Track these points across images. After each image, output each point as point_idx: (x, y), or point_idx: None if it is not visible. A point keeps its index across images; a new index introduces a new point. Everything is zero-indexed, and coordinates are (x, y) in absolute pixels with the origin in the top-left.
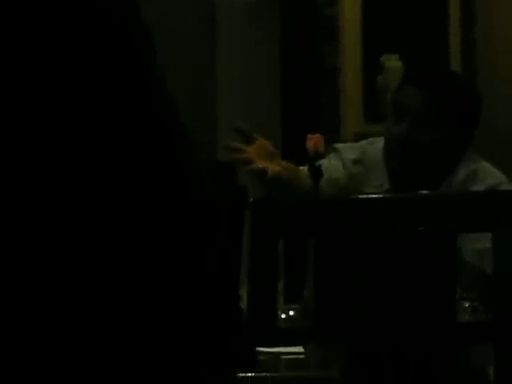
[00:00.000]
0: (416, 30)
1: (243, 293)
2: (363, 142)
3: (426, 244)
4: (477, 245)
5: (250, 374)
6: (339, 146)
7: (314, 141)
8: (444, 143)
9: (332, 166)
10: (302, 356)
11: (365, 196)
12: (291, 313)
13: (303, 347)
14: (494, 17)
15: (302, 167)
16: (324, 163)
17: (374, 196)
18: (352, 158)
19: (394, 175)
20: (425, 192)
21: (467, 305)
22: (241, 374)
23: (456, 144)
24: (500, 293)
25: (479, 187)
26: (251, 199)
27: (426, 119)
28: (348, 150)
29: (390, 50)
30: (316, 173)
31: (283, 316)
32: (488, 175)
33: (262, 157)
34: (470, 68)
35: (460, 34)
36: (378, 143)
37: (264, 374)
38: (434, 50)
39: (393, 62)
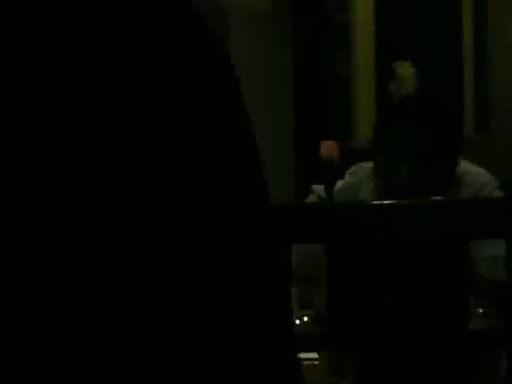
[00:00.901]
0: (428, 36)
1: None
2: (346, 177)
3: (439, 251)
4: (490, 251)
5: None
6: (360, 166)
7: (327, 147)
8: (442, 173)
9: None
10: (316, 362)
11: (378, 202)
12: (305, 319)
13: (316, 353)
14: (506, 21)
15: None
16: (348, 180)
17: (387, 202)
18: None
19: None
20: (438, 198)
21: (480, 311)
22: None
23: (449, 168)
24: None
25: (468, 191)
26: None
27: (425, 156)
28: (364, 169)
29: (402, 56)
30: (329, 179)
31: (297, 322)
32: (473, 177)
33: None
34: (482, 73)
35: (473, 40)
36: (362, 168)
37: None
38: (446, 56)
39: (405, 69)
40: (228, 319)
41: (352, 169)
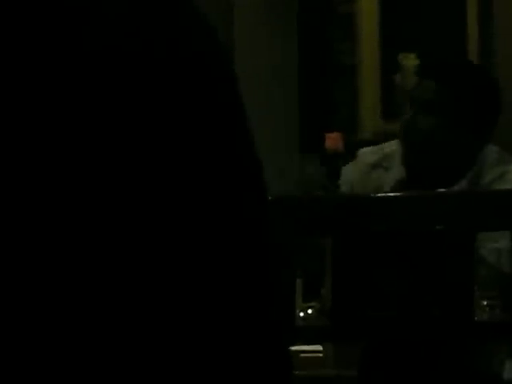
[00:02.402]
0: (433, 28)
1: None
2: (385, 144)
3: (445, 242)
4: (495, 243)
5: None
6: (360, 152)
7: (332, 139)
8: (463, 136)
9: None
10: (320, 354)
11: (383, 194)
12: (309, 311)
13: (321, 345)
14: (511, 12)
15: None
16: (347, 170)
17: (392, 194)
18: (371, 163)
19: (412, 166)
20: (443, 190)
21: (485, 303)
22: None
23: (472, 137)
24: None
25: (494, 173)
26: (269, 197)
27: (448, 113)
28: (368, 155)
29: (408, 48)
30: (334, 171)
31: (301, 314)
32: (501, 162)
33: None
34: (488, 65)
35: (478, 32)
36: (398, 144)
37: None
38: (451, 48)
39: (410, 61)
40: (226, 318)
41: (391, 142)
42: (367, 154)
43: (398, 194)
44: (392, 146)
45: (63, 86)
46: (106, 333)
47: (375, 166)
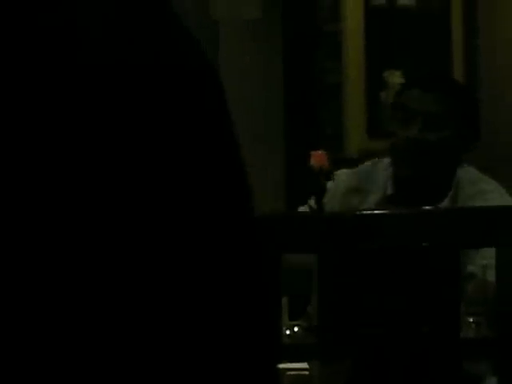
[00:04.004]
0: (418, 45)
1: None
2: (367, 164)
3: (431, 259)
4: (481, 259)
5: None
6: (338, 173)
7: (317, 157)
8: (449, 144)
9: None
10: (307, 372)
11: (369, 212)
12: (295, 329)
13: (308, 363)
14: (496, 31)
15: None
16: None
17: (378, 212)
18: (349, 186)
19: (401, 180)
20: (429, 208)
21: (471, 320)
22: None
23: (457, 147)
24: (504, 308)
25: (471, 191)
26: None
27: (435, 120)
28: (346, 178)
29: (393, 66)
30: (320, 189)
31: (288, 332)
32: (500, 200)
33: None
34: (472, 82)
35: (463, 49)
36: (382, 160)
37: None
38: (436, 67)
39: (396, 78)
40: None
41: (374, 159)
42: (346, 176)
43: (384, 211)
44: (375, 165)
45: (60, 92)
46: (105, 333)
47: (356, 190)
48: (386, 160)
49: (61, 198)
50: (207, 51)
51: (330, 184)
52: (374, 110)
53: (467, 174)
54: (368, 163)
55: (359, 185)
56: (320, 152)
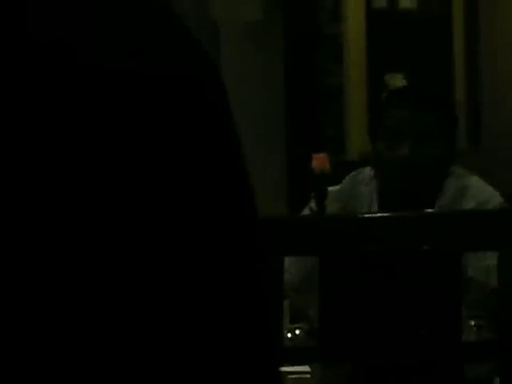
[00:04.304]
0: (420, 48)
1: None
2: (347, 180)
3: (432, 262)
4: (483, 262)
5: None
6: (329, 192)
7: (319, 160)
8: (438, 159)
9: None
10: (308, 375)
11: (370, 215)
12: (297, 332)
13: (309, 366)
14: (497, 35)
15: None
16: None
17: (378, 215)
18: (340, 207)
19: (388, 199)
20: (430, 210)
21: (473, 323)
22: None
23: (445, 160)
24: (506, 311)
25: (469, 204)
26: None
27: (422, 139)
28: (336, 196)
29: (395, 68)
30: (321, 192)
31: (289, 335)
32: (478, 191)
33: None
34: (474, 85)
35: (464, 52)
36: (361, 173)
37: None
38: (438, 68)
39: (397, 81)
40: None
41: (352, 173)
42: (334, 195)
43: (385, 214)
44: (354, 179)
45: (62, 94)
46: (105, 334)
47: (344, 209)
48: (366, 172)
49: (62, 198)
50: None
51: (348, 179)
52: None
53: (452, 181)
54: (347, 179)
55: (346, 204)
56: (321, 155)
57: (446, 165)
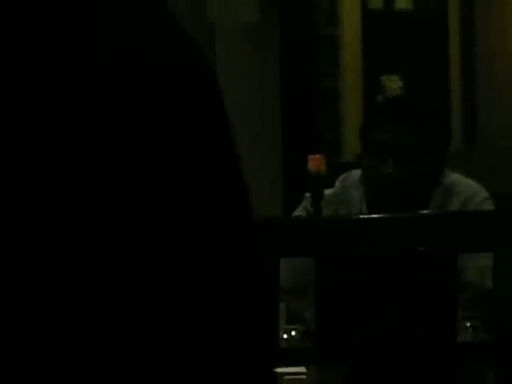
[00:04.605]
0: (416, 51)
1: None
2: (337, 185)
3: (428, 263)
4: (479, 262)
5: None
6: (325, 195)
7: (315, 161)
8: (427, 173)
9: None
10: (304, 376)
11: (366, 216)
12: (293, 333)
13: (305, 367)
14: (493, 36)
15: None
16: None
17: (375, 216)
18: (334, 210)
19: (376, 203)
20: (425, 211)
21: (468, 324)
22: None
23: (435, 170)
24: (501, 312)
25: (458, 199)
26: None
27: (410, 154)
28: (330, 201)
29: (390, 70)
30: (317, 194)
31: (285, 336)
32: (464, 186)
33: None
34: (470, 86)
35: (460, 54)
36: (351, 176)
37: None
38: (434, 70)
39: (393, 83)
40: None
41: (342, 176)
42: (329, 200)
43: (381, 215)
44: (343, 183)
45: (61, 94)
46: (103, 334)
47: (337, 213)
48: (354, 175)
49: (61, 198)
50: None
51: (338, 184)
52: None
53: (439, 188)
54: (337, 183)
55: (338, 208)
56: (318, 156)
57: (434, 178)
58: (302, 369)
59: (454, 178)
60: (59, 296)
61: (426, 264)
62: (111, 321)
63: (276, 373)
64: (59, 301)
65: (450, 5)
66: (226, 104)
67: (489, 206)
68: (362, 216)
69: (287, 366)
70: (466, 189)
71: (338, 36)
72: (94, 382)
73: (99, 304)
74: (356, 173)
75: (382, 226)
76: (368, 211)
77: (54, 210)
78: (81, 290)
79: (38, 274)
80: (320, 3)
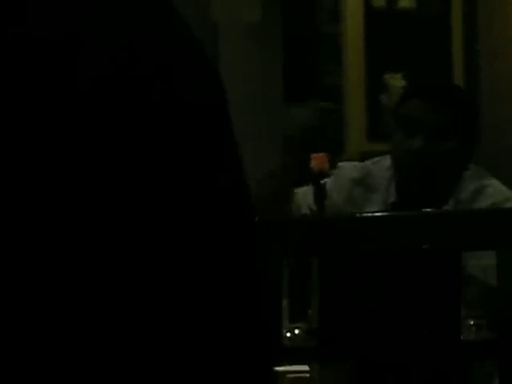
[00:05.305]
0: (419, 48)
1: None
2: (368, 163)
3: (431, 262)
4: (482, 261)
5: None
6: (342, 164)
7: (318, 160)
8: (454, 154)
9: (332, 188)
10: (307, 375)
11: (369, 214)
12: (296, 331)
13: (308, 366)
14: (496, 34)
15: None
16: (328, 183)
17: (378, 214)
18: (353, 178)
19: (404, 190)
20: (429, 210)
21: (472, 322)
22: None
23: (462, 155)
24: (505, 311)
25: (486, 202)
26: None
27: (439, 131)
28: (350, 170)
29: (393, 68)
30: (320, 192)
31: (288, 335)
32: (496, 191)
33: None
34: (473, 85)
35: (463, 52)
36: (384, 161)
37: None
38: (437, 68)
39: (396, 81)
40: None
41: (374, 159)
42: (349, 169)
43: (384, 213)
44: (376, 165)
45: (61, 95)
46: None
47: (357, 183)
48: (386, 160)
49: (61, 198)
50: (207, 52)
51: (332, 175)
52: (374, 112)
53: (471, 179)
54: (368, 162)
55: (363, 178)
56: (321, 154)
57: (463, 160)
58: (305, 367)
59: (491, 181)
60: (59, 296)
61: (429, 262)
62: (111, 320)
63: (276, 372)
64: (59, 301)
65: (452, 3)
66: (230, 103)
67: None
68: (365, 214)
69: (290, 364)
70: (498, 194)
71: (341, 34)
72: (94, 381)
73: (99, 303)
74: (387, 159)
75: (385, 224)
76: (395, 198)
77: (54, 210)
78: (81, 289)
79: (38, 274)
80: (322, 1)
